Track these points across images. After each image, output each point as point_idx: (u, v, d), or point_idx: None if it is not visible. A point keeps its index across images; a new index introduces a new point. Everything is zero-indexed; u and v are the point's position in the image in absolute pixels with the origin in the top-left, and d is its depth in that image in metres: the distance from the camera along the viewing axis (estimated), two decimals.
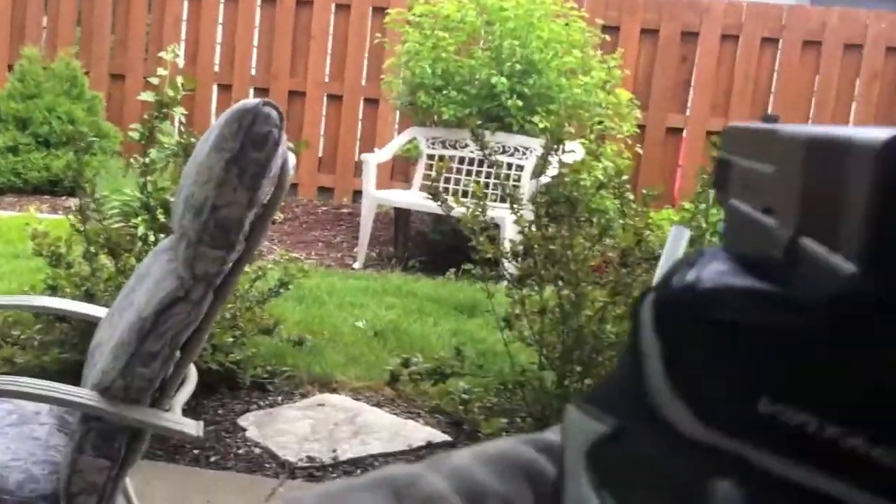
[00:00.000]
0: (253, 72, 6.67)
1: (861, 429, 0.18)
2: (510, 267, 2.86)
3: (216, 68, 6.69)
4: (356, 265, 4.92)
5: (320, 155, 6.58)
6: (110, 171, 5.63)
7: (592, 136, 5.15)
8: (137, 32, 6.71)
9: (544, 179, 3.01)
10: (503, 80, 4.83)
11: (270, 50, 6.60)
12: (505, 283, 2.86)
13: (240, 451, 2.62)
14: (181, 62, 6.38)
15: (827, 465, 0.18)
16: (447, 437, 2.75)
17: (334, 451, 2.63)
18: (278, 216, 5.87)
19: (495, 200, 4.60)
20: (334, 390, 3.05)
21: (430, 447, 2.70)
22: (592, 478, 0.22)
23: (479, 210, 2.77)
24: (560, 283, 2.69)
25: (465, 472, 0.29)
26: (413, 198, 4.96)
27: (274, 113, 1.48)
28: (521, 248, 2.84)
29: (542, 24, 4.95)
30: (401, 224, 5.18)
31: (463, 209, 2.78)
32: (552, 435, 0.31)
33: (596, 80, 5.02)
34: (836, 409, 0.19)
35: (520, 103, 4.83)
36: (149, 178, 2.66)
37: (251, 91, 6.57)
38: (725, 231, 0.26)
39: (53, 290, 2.72)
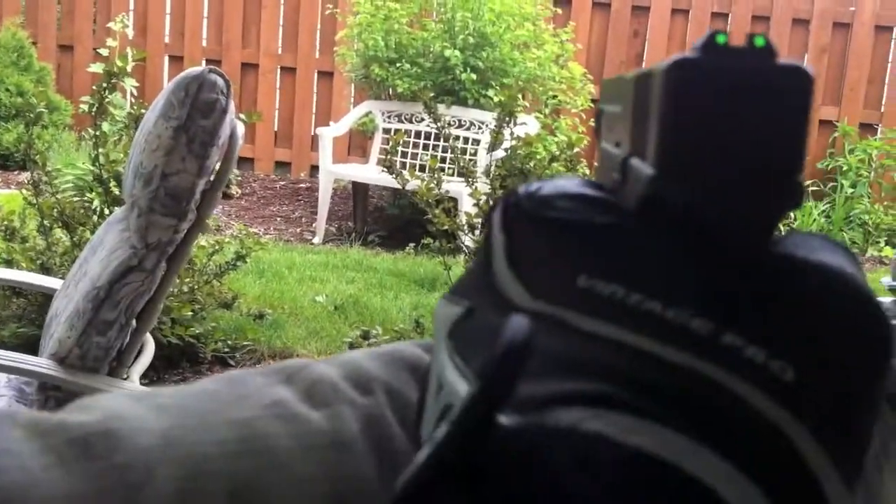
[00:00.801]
0: (204, 43, 6.59)
1: (659, 295, 0.23)
2: (467, 240, 2.90)
3: (167, 39, 6.60)
4: (315, 240, 4.93)
5: (276, 129, 6.54)
6: (62, 144, 5.56)
7: (547, 111, 5.21)
8: (85, 2, 6.59)
9: (499, 153, 3.05)
10: (457, 53, 4.84)
11: (221, 21, 6.52)
12: (463, 256, 2.90)
13: None
14: (130, 33, 6.29)
15: (631, 325, 0.23)
16: None
17: None
18: (235, 191, 5.84)
19: (452, 175, 4.64)
20: None
21: None
22: (449, 347, 0.25)
23: (435, 183, 2.80)
24: None
25: (353, 362, 0.33)
26: (370, 172, 4.97)
27: (220, 80, 1.49)
28: (477, 221, 2.88)
29: None
30: (359, 199, 5.19)
31: (419, 182, 2.81)
32: None
33: (549, 53, 5.06)
34: (639, 281, 0.23)
35: (474, 77, 4.86)
36: (101, 150, 2.65)
37: (203, 62, 6.50)
38: (596, 171, 0.30)
39: (9, 265, 2.70)
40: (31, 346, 2.50)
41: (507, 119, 2.87)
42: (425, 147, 5.11)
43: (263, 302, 3.49)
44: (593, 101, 5.74)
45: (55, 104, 5.91)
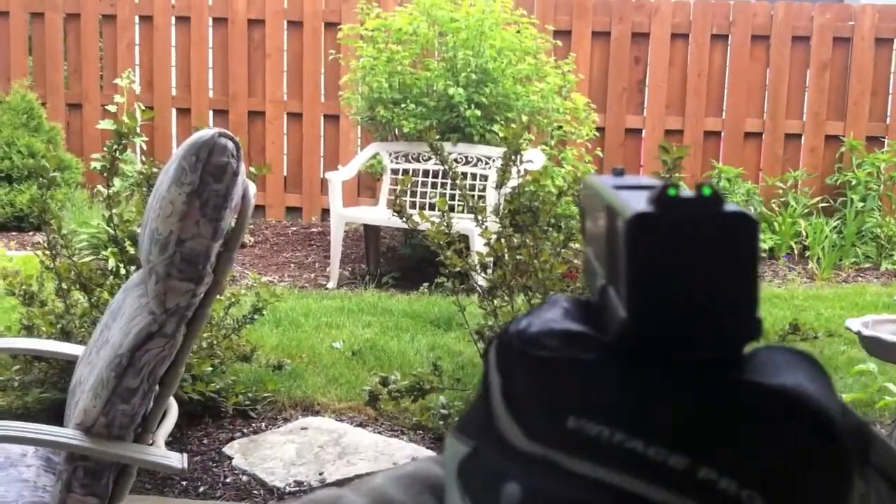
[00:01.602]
0: (210, 93, 6.67)
1: (641, 434, 0.25)
2: (480, 279, 2.91)
3: (173, 92, 6.69)
4: (330, 285, 4.95)
5: (285, 174, 6.59)
6: (75, 202, 5.61)
7: (553, 142, 5.24)
8: (91, 60, 6.69)
9: (507, 189, 3.07)
10: (460, 90, 4.88)
11: (226, 71, 6.60)
12: (476, 294, 2.91)
13: (227, 480, 2.64)
14: (137, 87, 6.37)
15: (616, 465, 0.25)
16: (431, 453, 2.78)
17: (321, 473, 2.66)
18: (248, 239, 5.88)
19: (462, 212, 4.66)
20: (317, 413, 3.07)
21: None
22: (459, 486, 0.28)
23: (445, 225, 2.81)
24: (529, 292, 2.74)
25: (379, 489, 0.35)
26: (380, 214, 4.99)
27: (230, 144, 1.51)
28: (489, 259, 2.89)
29: (493, 32, 5.02)
30: (371, 240, 5.22)
31: (429, 224, 2.82)
32: None
33: (551, 85, 5.10)
34: (622, 421, 0.25)
35: (478, 113, 4.89)
36: (114, 210, 2.68)
37: (210, 113, 6.57)
38: (583, 272, 0.32)
39: (29, 330, 2.73)
40: (55, 411, 2.52)
41: (513, 157, 2.89)
42: (433, 185, 5.14)
43: (281, 351, 3.50)
44: (598, 129, 5.77)
45: (66, 163, 5.98)
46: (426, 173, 5.16)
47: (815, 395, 0.25)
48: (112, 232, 2.69)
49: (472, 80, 4.95)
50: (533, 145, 4.86)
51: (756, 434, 0.25)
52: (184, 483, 2.59)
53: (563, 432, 0.26)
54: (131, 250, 2.70)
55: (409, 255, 5.17)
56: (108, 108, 6.35)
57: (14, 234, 5.86)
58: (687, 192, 0.25)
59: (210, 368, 2.86)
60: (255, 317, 2.98)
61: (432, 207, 4.82)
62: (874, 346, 2.57)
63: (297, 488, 2.58)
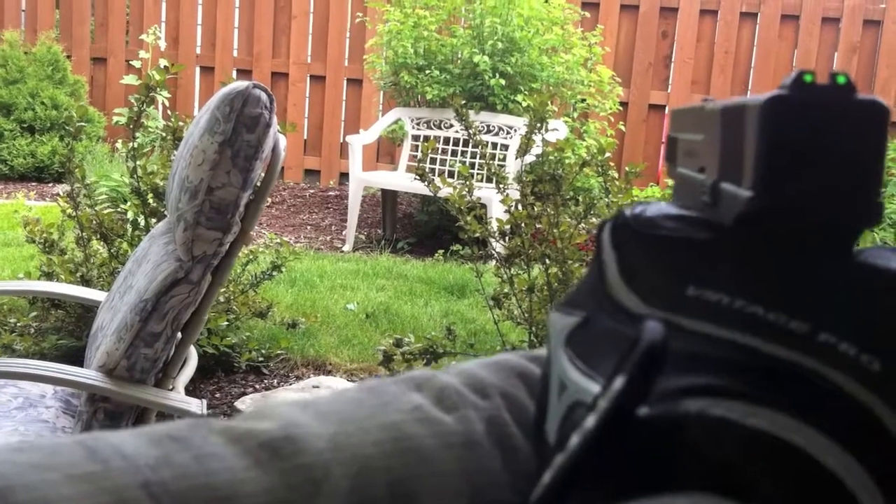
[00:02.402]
0: (235, 53, 6.66)
1: (761, 301, 0.27)
2: (498, 246, 2.90)
3: (198, 50, 6.68)
4: (346, 248, 4.96)
5: (305, 137, 6.59)
6: (96, 156, 5.64)
7: (576, 115, 5.21)
8: (118, 15, 6.68)
9: (529, 158, 3.05)
10: (485, 58, 4.85)
11: (252, 31, 6.59)
12: (493, 262, 2.91)
13: None
14: (163, 45, 6.36)
15: (738, 326, 0.26)
16: None
17: None
18: (266, 200, 5.89)
19: (481, 180, 4.64)
20: (329, 372, 3.09)
21: None
22: (569, 353, 0.29)
23: (466, 190, 2.81)
24: (547, 261, 2.74)
25: (469, 370, 0.38)
26: (399, 179, 4.99)
27: (264, 95, 1.52)
28: (508, 227, 2.88)
29: (522, 1, 4.98)
30: (388, 206, 5.22)
31: (450, 189, 2.82)
32: (538, 351, 0.39)
33: (577, 57, 5.06)
34: (742, 289, 0.27)
35: (503, 82, 4.87)
36: (138, 162, 2.68)
37: (234, 73, 6.57)
38: (672, 195, 0.33)
39: (48, 277, 2.75)
40: (72, 357, 2.54)
41: (539, 125, 2.87)
42: (454, 153, 5.13)
43: (296, 311, 3.52)
44: (622, 103, 5.73)
45: (89, 116, 5.99)
46: (447, 141, 5.15)
47: None
48: (135, 184, 2.70)
49: (498, 49, 4.91)
50: (556, 117, 4.84)
51: (874, 305, 0.26)
52: None
53: (683, 298, 0.27)
54: (153, 203, 2.71)
55: (425, 221, 5.18)
56: (132, 63, 6.35)
57: (34, 184, 5.89)
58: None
59: (225, 323, 2.88)
60: (274, 274, 2.99)
61: (451, 175, 4.81)
62: None
63: None
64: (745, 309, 0.26)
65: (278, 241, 3.23)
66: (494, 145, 4.93)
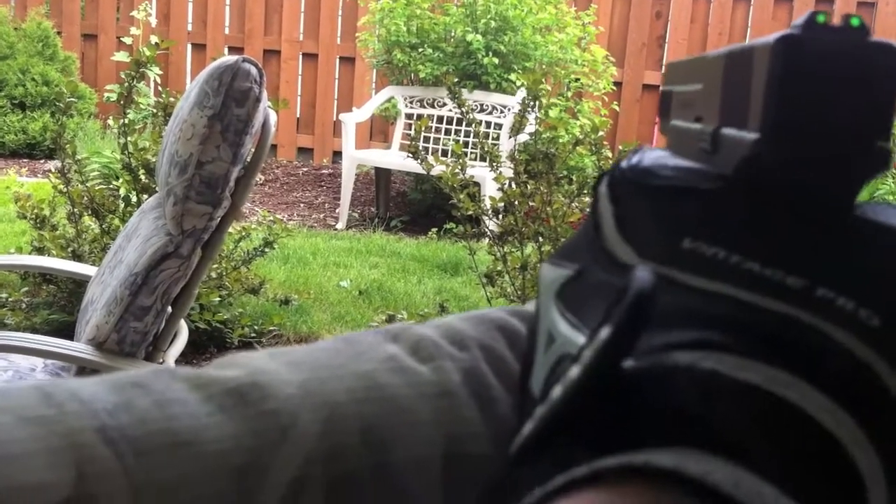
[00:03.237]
0: (227, 30, 6.62)
1: (758, 256, 0.26)
2: (491, 224, 2.91)
3: (189, 27, 6.63)
4: (339, 226, 4.96)
5: (298, 115, 6.56)
6: (88, 132, 5.61)
7: (569, 94, 5.20)
8: None
9: (522, 137, 3.05)
10: (478, 37, 4.83)
11: (243, 8, 6.54)
12: (486, 240, 2.91)
13: None
14: (153, 21, 6.32)
15: (733, 281, 0.25)
16: None
17: None
18: (259, 178, 5.88)
19: (475, 159, 4.64)
20: None
21: None
22: (559, 306, 0.28)
23: (459, 168, 2.81)
24: (540, 239, 2.75)
25: (448, 323, 0.37)
26: (393, 157, 4.98)
27: (254, 69, 1.51)
28: (501, 205, 2.89)
29: None
30: (382, 184, 5.21)
31: (443, 167, 2.82)
32: (521, 307, 0.39)
33: (571, 36, 5.04)
34: (739, 243, 0.26)
35: (496, 61, 4.85)
36: (129, 138, 2.67)
37: (226, 50, 6.53)
38: (667, 149, 0.32)
39: (40, 252, 2.74)
40: (63, 332, 2.54)
41: (532, 103, 2.87)
42: (447, 132, 5.12)
43: (289, 287, 3.53)
44: (616, 83, 5.72)
45: (80, 93, 5.95)
46: (440, 119, 5.14)
47: None
48: (126, 160, 2.69)
49: (492, 28, 4.89)
50: (550, 96, 4.83)
51: (874, 261, 0.26)
52: None
53: (678, 251, 0.26)
54: (144, 179, 2.70)
55: (418, 200, 5.17)
56: (123, 40, 6.31)
57: (25, 160, 5.87)
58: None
59: (218, 299, 2.88)
60: (266, 250, 2.99)
61: (445, 154, 4.80)
62: None
63: None
64: (741, 264, 0.25)
65: (271, 218, 3.23)
66: (488, 124, 4.92)
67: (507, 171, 2.87)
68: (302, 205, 5.45)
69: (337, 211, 5.15)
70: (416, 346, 0.35)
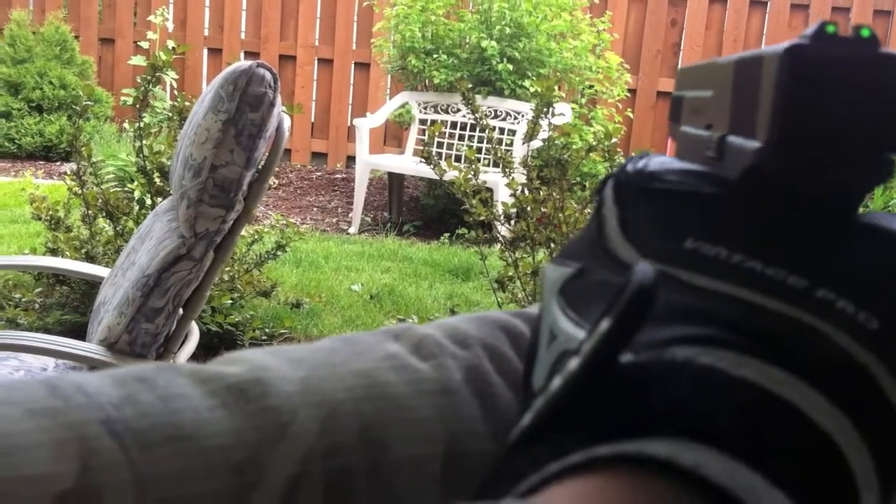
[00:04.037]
0: (243, 35, 6.65)
1: (760, 256, 0.26)
2: (503, 230, 2.91)
3: (206, 32, 6.67)
4: (351, 230, 4.97)
5: (313, 120, 6.59)
6: (104, 136, 5.65)
7: (583, 101, 5.20)
8: None
9: (535, 143, 3.05)
10: (493, 43, 4.84)
11: (260, 13, 6.58)
12: (498, 246, 2.91)
13: None
14: (170, 26, 6.36)
15: (734, 280, 0.26)
16: None
17: None
18: (273, 182, 5.90)
19: (488, 165, 4.64)
20: None
21: None
22: (561, 303, 0.28)
23: (472, 174, 2.81)
24: (552, 245, 2.75)
25: (450, 323, 0.37)
26: (406, 162, 4.99)
27: (268, 74, 1.52)
28: (513, 211, 2.89)
29: None
30: (395, 189, 5.22)
31: (456, 173, 2.82)
32: (525, 309, 0.39)
33: (585, 43, 5.04)
34: (741, 243, 0.26)
35: (510, 67, 4.85)
36: (144, 142, 2.69)
37: (242, 55, 6.56)
38: (675, 155, 0.32)
39: (54, 253, 2.76)
40: (75, 333, 2.56)
41: (545, 109, 2.87)
42: (461, 138, 5.12)
43: (300, 291, 3.54)
44: (630, 90, 5.71)
45: (97, 96, 6.00)
46: (454, 125, 5.15)
47: None
48: (141, 162, 2.70)
49: (506, 34, 4.90)
50: (563, 102, 4.83)
51: (874, 265, 0.26)
52: None
53: (680, 251, 0.27)
54: (159, 182, 2.71)
55: (431, 205, 5.18)
56: (140, 44, 6.35)
57: (42, 163, 5.91)
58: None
59: (230, 302, 2.89)
60: (278, 253, 3.00)
61: (458, 159, 4.80)
62: None
63: None
64: (743, 264, 0.26)
65: (284, 221, 3.24)
66: (501, 130, 4.93)
67: (520, 176, 2.87)
68: (315, 209, 5.47)
69: (350, 215, 5.16)
70: (418, 344, 0.35)
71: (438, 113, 5.19)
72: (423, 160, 2.96)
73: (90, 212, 2.75)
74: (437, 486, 0.32)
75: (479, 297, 3.69)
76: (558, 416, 0.24)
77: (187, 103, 2.66)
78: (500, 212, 2.92)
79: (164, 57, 2.61)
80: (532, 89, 4.67)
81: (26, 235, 3.99)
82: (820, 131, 0.25)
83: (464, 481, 0.32)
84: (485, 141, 4.83)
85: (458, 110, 5.07)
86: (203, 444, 0.29)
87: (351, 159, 6.19)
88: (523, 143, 2.99)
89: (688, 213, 0.27)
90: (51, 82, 5.96)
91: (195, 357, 2.83)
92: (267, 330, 3.07)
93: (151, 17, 6.15)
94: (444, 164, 2.94)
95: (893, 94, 0.25)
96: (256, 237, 3.04)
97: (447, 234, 4.70)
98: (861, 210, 0.27)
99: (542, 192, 2.79)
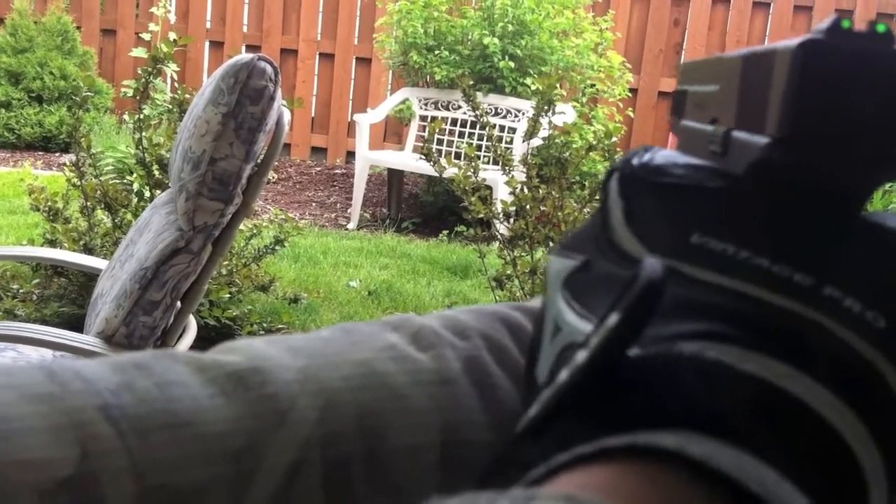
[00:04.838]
0: (245, 28, 6.64)
1: (766, 253, 0.26)
2: (502, 228, 2.90)
3: (208, 25, 6.66)
4: (350, 226, 4.97)
5: (313, 115, 6.58)
6: (103, 127, 5.63)
7: (584, 100, 5.19)
8: None
9: (536, 141, 3.04)
10: (495, 40, 4.83)
11: (262, 6, 6.57)
12: (497, 244, 2.91)
13: None
14: (172, 18, 6.35)
15: (741, 276, 0.25)
16: None
17: None
18: (272, 176, 5.89)
19: (488, 163, 4.64)
20: None
21: None
22: (565, 296, 0.28)
23: (472, 171, 2.81)
24: (551, 244, 2.74)
25: (449, 315, 0.37)
26: (406, 159, 4.98)
27: (269, 68, 1.52)
28: (512, 209, 2.88)
29: None
30: (394, 185, 5.21)
31: (455, 170, 2.82)
32: (525, 302, 0.39)
33: (588, 42, 5.03)
34: (748, 240, 0.26)
35: (512, 64, 4.85)
36: (144, 134, 2.68)
37: (243, 48, 6.55)
38: (677, 148, 0.32)
39: (52, 244, 2.76)
40: (73, 325, 2.55)
41: (546, 108, 2.87)
42: (461, 135, 5.12)
43: (298, 286, 3.53)
44: (631, 90, 5.71)
45: (97, 87, 5.99)
46: (454, 122, 5.14)
47: None
48: (140, 154, 2.70)
49: (508, 31, 4.89)
50: (564, 101, 4.82)
51: (882, 264, 0.26)
52: None
53: (686, 246, 0.26)
54: (157, 174, 2.71)
55: (430, 202, 5.18)
56: (141, 36, 6.34)
57: (41, 153, 5.90)
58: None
59: (227, 296, 2.89)
60: (277, 248, 2.99)
61: (458, 156, 4.80)
62: None
63: None
64: (750, 260, 0.26)
65: (283, 216, 3.24)
66: (502, 128, 4.92)
67: (520, 175, 2.87)
68: (314, 204, 5.46)
69: (348, 211, 5.15)
70: (416, 334, 0.35)
71: (439, 109, 5.18)
72: (422, 157, 2.95)
73: (89, 203, 2.75)
74: (436, 475, 0.32)
75: (477, 294, 3.69)
76: (565, 408, 0.24)
77: (187, 96, 2.65)
78: (500, 210, 2.92)
79: (165, 49, 2.60)
80: (533, 87, 4.66)
81: (24, 226, 3.98)
82: (832, 126, 0.25)
83: (462, 471, 0.32)
84: (485, 138, 4.82)
85: (459, 107, 5.06)
86: (201, 431, 0.29)
87: (350, 155, 6.18)
88: (523, 142, 2.99)
89: (694, 208, 0.27)
90: (51, 72, 5.95)
91: (193, 350, 2.83)
92: (265, 324, 3.07)
93: (153, 9, 6.14)
94: (443, 161, 2.94)
95: None
96: (255, 231, 3.03)
97: (446, 232, 4.69)
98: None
99: (541, 191, 2.79)
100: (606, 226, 0.29)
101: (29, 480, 0.26)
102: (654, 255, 0.27)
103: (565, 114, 4.62)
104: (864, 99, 0.25)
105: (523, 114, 4.83)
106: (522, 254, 2.81)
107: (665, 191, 0.28)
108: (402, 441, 0.31)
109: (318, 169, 6.30)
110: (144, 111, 2.71)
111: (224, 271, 2.88)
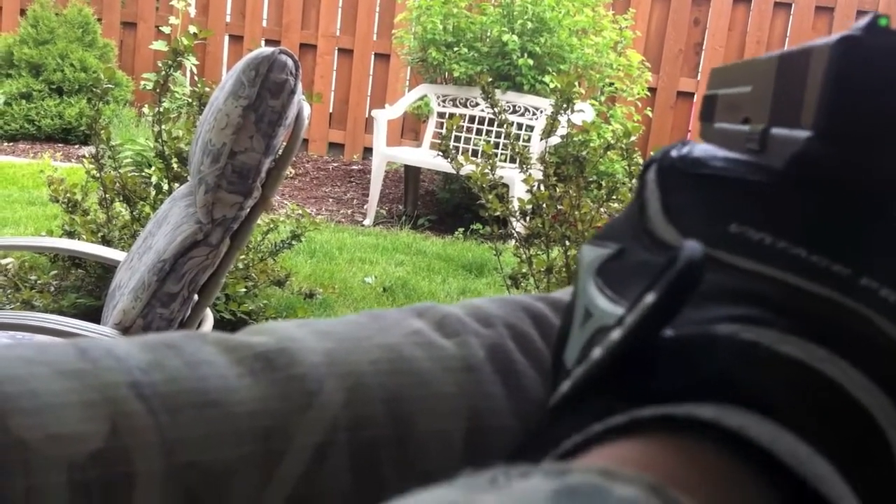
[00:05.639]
0: (264, 23, 6.66)
1: (805, 243, 0.26)
2: (518, 226, 2.90)
3: (228, 19, 6.68)
4: (366, 222, 4.97)
5: (331, 111, 6.59)
6: (123, 120, 5.66)
7: (602, 98, 5.18)
8: None
9: (554, 140, 3.03)
10: (514, 38, 4.82)
11: (281, 2, 6.58)
12: (513, 242, 2.90)
13: None
14: (192, 11, 6.37)
15: (779, 264, 0.26)
16: None
17: None
18: (290, 171, 5.90)
19: (505, 160, 4.63)
20: None
21: None
22: (598, 283, 0.29)
23: (489, 168, 2.80)
24: (567, 242, 2.74)
25: (473, 303, 0.37)
26: (423, 155, 4.98)
27: (290, 61, 1.52)
28: (529, 207, 2.87)
29: None
30: (411, 182, 5.21)
31: (472, 167, 2.81)
32: (549, 294, 0.39)
33: (607, 40, 5.01)
34: (786, 230, 0.26)
35: (531, 62, 4.84)
36: (163, 126, 2.69)
37: (263, 42, 6.56)
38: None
39: (71, 236, 2.77)
40: (90, 316, 2.57)
41: (565, 106, 2.86)
42: (479, 132, 5.11)
43: (314, 281, 3.54)
44: (650, 89, 5.68)
45: (117, 80, 6.01)
46: (472, 119, 5.13)
47: None
48: (159, 147, 2.71)
49: (528, 29, 4.88)
50: (582, 99, 4.81)
51: None
52: None
53: (725, 234, 0.27)
54: (176, 167, 2.72)
55: (446, 199, 5.17)
56: (162, 29, 6.36)
57: (60, 145, 5.93)
58: None
59: (243, 290, 2.90)
60: (293, 243, 3.00)
61: (475, 154, 4.80)
62: None
63: None
64: (788, 250, 0.26)
65: (299, 211, 3.24)
66: (520, 126, 4.91)
67: (537, 173, 2.86)
68: (331, 199, 5.47)
69: (365, 207, 5.16)
70: (441, 322, 0.35)
71: (457, 106, 5.18)
72: (440, 154, 2.95)
73: (107, 195, 2.76)
74: (460, 462, 0.32)
75: (492, 292, 3.69)
76: (598, 384, 0.24)
77: (207, 89, 2.66)
78: (516, 208, 2.91)
79: (185, 42, 2.61)
80: (552, 85, 4.65)
81: (43, 217, 4.01)
82: (870, 121, 0.25)
83: (486, 457, 0.32)
84: (502, 136, 4.81)
85: (477, 104, 5.05)
86: (230, 411, 0.29)
87: (368, 151, 6.19)
88: (541, 140, 2.98)
89: (733, 199, 0.28)
90: (72, 64, 5.98)
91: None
92: (280, 319, 3.07)
93: (174, 2, 6.16)
94: (461, 158, 2.93)
95: None
96: (272, 226, 3.04)
97: (462, 229, 4.69)
98: None
99: (558, 189, 2.78)
100: (643, 215, 0.30)
101: (60, 454, 0.26)
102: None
103: (584, 112, 4.60)
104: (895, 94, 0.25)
105: (541, 112, 4.82)
106: (538, 252, 2.80)
107: (704, 182, 0.28)
108: (430, 426, 0.31)
109: (336, 164, 6.31)
110: (164, 104, 2.72)
111: (240, 265, 2.89)
